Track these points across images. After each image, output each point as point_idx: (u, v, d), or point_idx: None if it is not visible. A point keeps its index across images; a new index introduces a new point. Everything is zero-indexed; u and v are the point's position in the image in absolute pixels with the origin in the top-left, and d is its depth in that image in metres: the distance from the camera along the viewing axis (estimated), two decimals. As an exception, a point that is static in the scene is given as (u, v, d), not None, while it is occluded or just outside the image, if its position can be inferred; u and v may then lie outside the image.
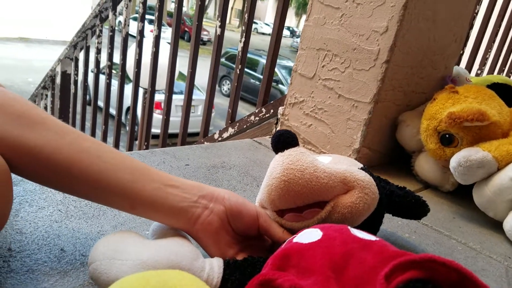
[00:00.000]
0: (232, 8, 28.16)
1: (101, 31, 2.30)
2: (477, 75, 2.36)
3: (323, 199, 0.50)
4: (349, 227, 0.42)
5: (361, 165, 0.58)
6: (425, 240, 0.75)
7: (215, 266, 0.46)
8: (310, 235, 0.41)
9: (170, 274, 0.36)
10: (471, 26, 2.05)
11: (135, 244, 0.44)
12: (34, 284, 0.45)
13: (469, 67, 2.20)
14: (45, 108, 3.14)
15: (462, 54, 2.07)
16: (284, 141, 0.51)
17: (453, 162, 0.84)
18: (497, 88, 1.03)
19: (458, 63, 1.73)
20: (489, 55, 2.36)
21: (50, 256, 0.50)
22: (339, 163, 0.55)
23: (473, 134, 0.88)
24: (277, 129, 0.52)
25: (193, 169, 0.87)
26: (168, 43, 1.76)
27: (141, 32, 1.90)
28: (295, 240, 0.42)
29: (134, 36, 1.95)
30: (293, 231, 0.48)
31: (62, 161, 0.44)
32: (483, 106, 0.87)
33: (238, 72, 1.50)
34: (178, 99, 4.13)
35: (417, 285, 0.30)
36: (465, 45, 2.06)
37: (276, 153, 0.52)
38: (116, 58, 2.11)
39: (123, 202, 0.47)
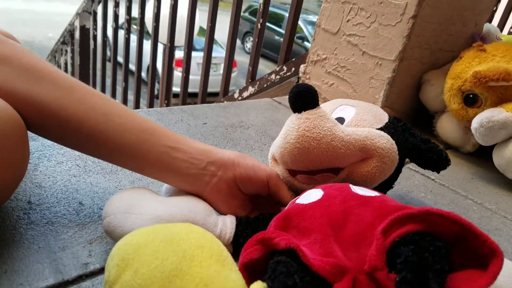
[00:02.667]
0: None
1: (119, -17, 2.26)
2: (509, 33, 2.25)
3: (338, 166, 0.49)
4: (350, 185, 0.42)
5: (387, 118, 0.54)
6: (440, 200, 0.75)
7: (228, 222, 0.46)
8: (311, 196, 0.41)
9: (179, 227, 0.36)
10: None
11: (149, 200, 0.45)
12: (54, 235, 0.46)
13: (501, 25, 2.09)
14: (65, 64, 3.16)
15: (495, 11, 1.96)
16: (303, 100, 0.46)
17: (475, 123, 0.82)
18: (529, 46, 0.98)
19: (490, 20, 1.64)
20: (524, 12, 2.23)
21: (69, 209, 0.51)
22: (362, 121, 0.52)
23: (498, 95, 0.85)
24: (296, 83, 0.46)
25: (210, 128, 0.87)
26: (188, -6, 1.72)
27: (159, -15, 1.85)
28: (297, 201, 0.42)
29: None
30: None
31: (70, 119, 0.43)
32: (511, 65, 0.84)
33: (259, 27, 1.46)
34: (199, 57, 4.09)
35: (414, 237, 0.30)
36: (498, 1, 1.95)
37: (294, 112, 0.48)
38: (135, 13, 2.08)
39: (130, 163, 0.47)
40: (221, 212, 0.50)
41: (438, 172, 0.58)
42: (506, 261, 0.36)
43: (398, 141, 0.52)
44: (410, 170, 0.85)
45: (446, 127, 1.01)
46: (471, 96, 0.88)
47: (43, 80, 0.43)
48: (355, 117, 0.52)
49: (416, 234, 0.30)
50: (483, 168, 0.94)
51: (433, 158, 0.57)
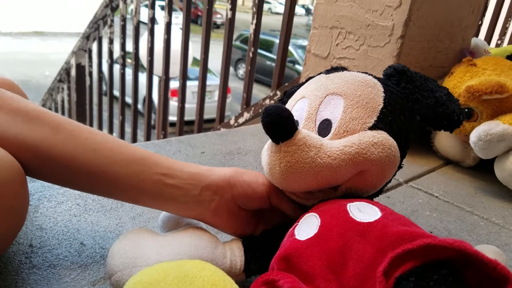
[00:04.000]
0: (244, -11, 27.78)
1: (112, 20, 2.30)
2: (497, 45, 2.28)
3: (334, 185, 0.46)
4: (348, 207, 0.40)
5: (382, 99, 0.46)
6: (446, 218, 0.74)
7: (236, 251, 0.45)
8: (308, 227, 0.40)
9: (190, 264, 0.35)
10: (489, -5, 1.98)
11: (152, 246, 0.43)
12: (56, 279, 0.46)
13: (488, 37, 2.13)
14: (62, 101, 3.18)
15: (480, 25, 2.00)
16: (277, 132, 0.41)
17: (473, 136, 0.82)
18: (518, 58, 1.00)
19: (476, 34, 1.67)
20: (509, 24, 2.27)
21: (71, 251, 0.51)
22: (352, 121, 0.44)
23: (493, 107, 0.85)
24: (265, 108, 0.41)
25: (208, 156, 0.87)
26: (181, 29, 1.75)
27: (152, 20, 1.89)
28: (296, 234, 0.40)
29: (146, 24, 1.94)
30: (306, 206, 0.47)
31: (60, 157, 0.43)
32: (502, 78, 0.85)
33: (251, 55, 1.48)
34: (194, 85, 4.13)
35: (417, 270, 0.29)
36: (483, 15, 1.99)
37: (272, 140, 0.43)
38: (129, 47, 2.11)
39: (125, 196, 0.47)
40: (225, 232, 0.50)
41: (451, 132, 0.51)
42: None
43: (400, 127, 0.46)
44: (413, 189, 0.85)
45: (445, 142, 1.01)
46: (466, 110, 0.89)
47: (32, 121, 0.43)
48: (343, 117, 0.45)
49: (416, 271, 0.29)
50: (486, 181, 0.93)
51: (443, 124, 0.50)
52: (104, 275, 0.47)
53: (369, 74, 0.49)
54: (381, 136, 0.43)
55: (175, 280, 0.32)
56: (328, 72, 0.51)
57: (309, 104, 0.48)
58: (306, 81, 0.55)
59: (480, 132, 0.80)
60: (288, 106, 0.52)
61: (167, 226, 0.50)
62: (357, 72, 0.50)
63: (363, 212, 0.38)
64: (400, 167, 0.49)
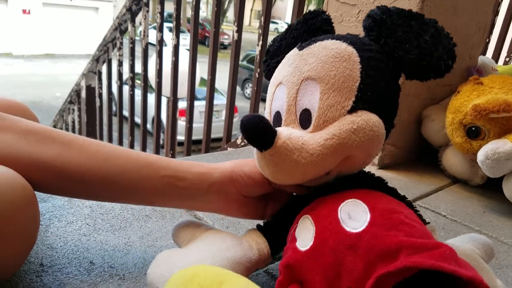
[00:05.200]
0: (251, 9, 28.20)
1: (121, 43, 2.35)
2: (505, 63, 2.28)
3: (324, 173, 0.45)
4: (339, 213, 0.41)
5: (358, 71, 0.44)
6: (454, 237, 0.73)
7: (258, 239, 0.49)
8: (305, 234, 0.42)
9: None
10: (496, 13, 1.99)
11: (186, 262, 0.44)
12: (66, 297, 0.46)
13: (496, 55, 2.13)
14: (73, 122, 3.23)
15: (488, 43, 2.01)
16: (256, 143, 0.42)
17: (481, 155, 0.82)
18: (525, 76, 1.00)
19: (484, 52, 1.68)
20: (517, 42, 2.28)
21: (80, 269, 0.51)
22: (330, 109, 0.43)
23: (501, 126, 0.85)
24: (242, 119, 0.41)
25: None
26: (188, 50, 1.78)
27: (160, 42, 1.93)
28: (296, 237, 0.43)
29: (154, 45, 1.98)
30: (308, 186, 0.49)
31: (74, 171, 0.46)
32: (510, 96, 0.85)
33: (257, 75, 1.50)
34: (201, 105, 4.17)
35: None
36: (490, 33, 2.00)
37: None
38: (138, 69, 2.14)
39: (139, 200, 0.50)
40: (241, 218, 0.55)
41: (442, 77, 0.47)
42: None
43: (382, 96, 0.45)
44: (420, 208, 0.84)
45: (452, 161, 1.01)
46: (473, 128, 0.89)
47: (43, 140, 0.45)
48: (321, 106, 0.43)
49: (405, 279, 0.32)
50: (495, 200, 0.93)
51: (430, 75, 0.46)
52: (113, 294, 0.48)
53: (343, 41, 0.46)
54: (361, 118, 0.43)
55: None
56: (301, 47, 0.48)
57: (287, 93, 0.47)
58: (284, 37, 0.56)
59: (488, 151, 0.80)
60: (268, 94, 0.51)
61: (184, 240, 0.50)
62: (330, 40, 0.46)
63: (352, 218, 0.40)
64: (392, 127, 0.49)
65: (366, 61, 0.44)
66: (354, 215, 0.40)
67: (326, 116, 0.43)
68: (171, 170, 0.49)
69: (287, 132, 0.43)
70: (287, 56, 0.51)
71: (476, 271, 0.33)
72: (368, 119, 0.43)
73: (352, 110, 0.43)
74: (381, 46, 0.46)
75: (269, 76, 0.55)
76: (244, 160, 0.52)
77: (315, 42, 0.47)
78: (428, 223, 0.46)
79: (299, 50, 0.48)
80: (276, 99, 0.49)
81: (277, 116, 0.48)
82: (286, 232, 0.47)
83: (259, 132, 0.41)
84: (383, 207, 0.40)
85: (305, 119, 0.45)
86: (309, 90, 0.45)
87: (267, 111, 0.51)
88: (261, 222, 0.52)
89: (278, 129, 0.43)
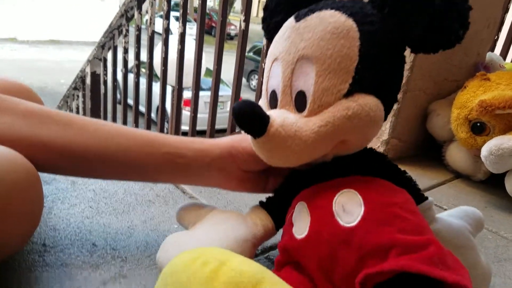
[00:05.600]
0: (259, 1, 28.02)
1: (127, 30, 2.34)
2: (512, 60, 2.27)
3: (320, 156, 0.44)
4: (334, 206, 0.40)
5: (357, 50, 0.40)
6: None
7: (261, 215, 0.50)
8: (301, 222, 0.43)
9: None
10: (506, 10, 1.98)
11: (193, 243, 0.45)
12: (68, 277, 0.46)
13: (504, 52, 2.11)
14: (77, 108, 3.23)
15: (497, 40, 1.99)
16: (248, 130, 0.41)
17: (484, 151, 0.81)
18: (532, 73, 0.99)
19: (492, 49, 1.67)
20: (525, 40, 2.26)
21: (82, 251, 0.52)
22: (325, 92, 0.41)
23: (506, 122, 0.85)
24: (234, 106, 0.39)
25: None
26: (195, 39, 1.77)
27: (166, 30, 1.92)
28: (293, 222, 0.44)
29: (160, 34, 1.97)
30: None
31: (75, 150, 0.46)
32: (516, 92, 0.84)
33: (263, 67, 1.50)
34: (206, 96, 4.16)
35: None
36: (500, 29, 1.98)
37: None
38: (144, 57, 2.14)
39: (143, 177, 0.51)
40: (243, 192, 0.55)
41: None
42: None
43: (382, 77, 0.42)
44: (422, 201, 0.84)
45: (456, 156, 1.01)
46: (478, 124, 0.89)
47: (44, 120, 0.46)
48: (316, 89, 0.41)
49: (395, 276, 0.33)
50: (496, 196, 0.93)
51: (439, 49, 0.43)
52: (114, 275, 0.48)
53: (343, 12, 0.41)
54: (356, 104, 0.40)
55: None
56: (298, 17, 0.44)
57: (282, 71, 0.44)
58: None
59: (492, 147, 0.80)
60: (266, 68, 0.49)
61: (190, 222, 0.51)
62: (329, 11, 0.42)
63: (347, 212, 0.39)
64: (395, 103, 0.46)
65: (366, 36, 0.40)
66: (348, 208, 0.39)
67: (321, 100, 0.41)
68: (172, 146, 0.50)
69: (281, 119, 0.41)
70: (283, 26, 0.47)
71: (463, 270, 0.35)
72: (364, 103, 0.40)
73: (348, 94, 0.40)
74: (385, 16, 0.41)
75: (270, 36, 0.51)
76: (243, 135, 0.51)
77: (313, 13, 0.43)
78: (427, 198, 0.46)
79: (296, 21, 0.44)
80: (272, 77, 0.47)
81: (273, 95, 0.46)
82: (289, 205, 0.47)
83: (252, 120, 0.40)
84: (378, 199, 0.39)
85: (300, 101, 0.43)
86: (304, 70, 0.42)
87: (264, 88, 0.48)
88: (263, 199, 0.53)
89: (271, 114, 0.41)
